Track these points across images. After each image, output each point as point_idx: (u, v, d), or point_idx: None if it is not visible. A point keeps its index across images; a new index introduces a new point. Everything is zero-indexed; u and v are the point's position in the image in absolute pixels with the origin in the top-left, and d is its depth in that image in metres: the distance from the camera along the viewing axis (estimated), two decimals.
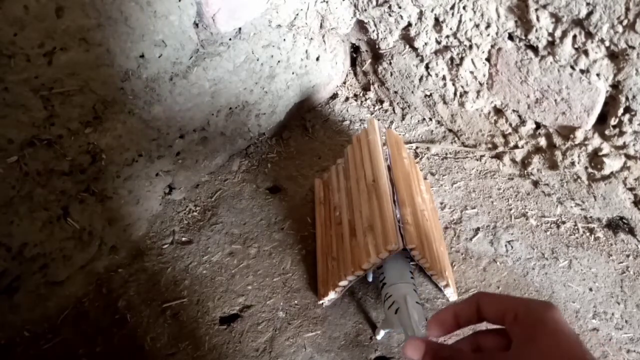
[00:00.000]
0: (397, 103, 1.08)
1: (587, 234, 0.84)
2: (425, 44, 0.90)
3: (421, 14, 0.87)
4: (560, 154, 0.85)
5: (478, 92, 0.91)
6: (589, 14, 0.66)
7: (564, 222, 0.85)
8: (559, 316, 0.33)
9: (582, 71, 0.74)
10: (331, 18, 0.97)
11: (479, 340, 0.37)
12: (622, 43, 0.66)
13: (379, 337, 0.72)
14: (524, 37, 0.77)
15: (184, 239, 0.87)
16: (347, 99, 1.13)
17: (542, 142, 0.88)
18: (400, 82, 1.03)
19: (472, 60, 0.87)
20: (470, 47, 0.85)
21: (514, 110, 0.89)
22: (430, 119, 1.04)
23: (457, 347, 0.37)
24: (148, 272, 0.82)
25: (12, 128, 0.61)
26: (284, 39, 0.92)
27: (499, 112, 0.92)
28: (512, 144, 0.92)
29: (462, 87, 0.92)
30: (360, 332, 0.73)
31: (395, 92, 1.06)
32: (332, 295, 0.73)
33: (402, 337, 0.71)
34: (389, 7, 0.89)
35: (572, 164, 0.83)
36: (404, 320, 0.60)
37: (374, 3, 0.92)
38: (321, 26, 0.99)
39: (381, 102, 1.11)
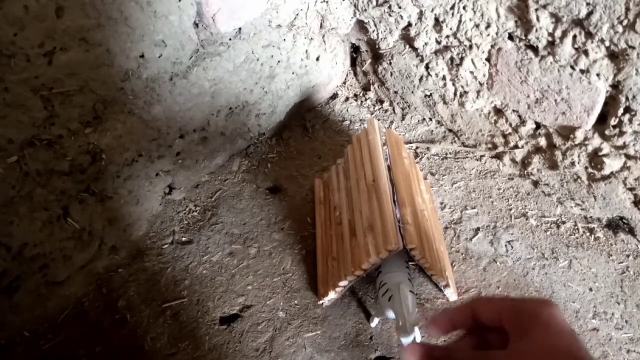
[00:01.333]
0: (397, 103, 1.08)
1: (587, 234, 0.84)
2: (425, 44, 0.90)
3: (421, 14, 0.87)
4: (560, 154, 0.85)
5: (478, 92, 0.91)
6: (589, 14, 0.66)
7: (564, 222, 0.85)
8: (556, 312, 0.33)
9: (582, 71, 0.74)
10: (331, 18, 0.97)
11: (485, 336, 0.37)
12: (622, 43, 0.66)
13: (372, 325, 0.72)
14: (524, 37, 0.77)
15: (184, 239, 0.87)
16: (347, 99, 1.13)
17: (542, 142, 0.88)
18: (400, 82, 1.03)
19: (472, 60, 0.87)
20: (470, 47, 0.85)
21: (514, 110, 0.89)
22: (430, 119, 1.04)
23: (452, 346, 0.38)
24: (148, 272, 0.82)
25: (12, 128, 0.61)
26: (284, 39, 0.92)
27: (499, 112, 0.92)
28: (512, 144, 0.92)
29: (462, 87, 0.92)
30: (360, 332, 0.73)
31: (395, 92, 1.06)
32: (332, 295, 0.73)
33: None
34: (389, 7, 0.89)
35: (572, 164, 0.83)
36: (396, 307, 0.60)
37: (374, 3, 0.92)
38: (321, 26, 0.99)
39: (381, 102, 1.11)
